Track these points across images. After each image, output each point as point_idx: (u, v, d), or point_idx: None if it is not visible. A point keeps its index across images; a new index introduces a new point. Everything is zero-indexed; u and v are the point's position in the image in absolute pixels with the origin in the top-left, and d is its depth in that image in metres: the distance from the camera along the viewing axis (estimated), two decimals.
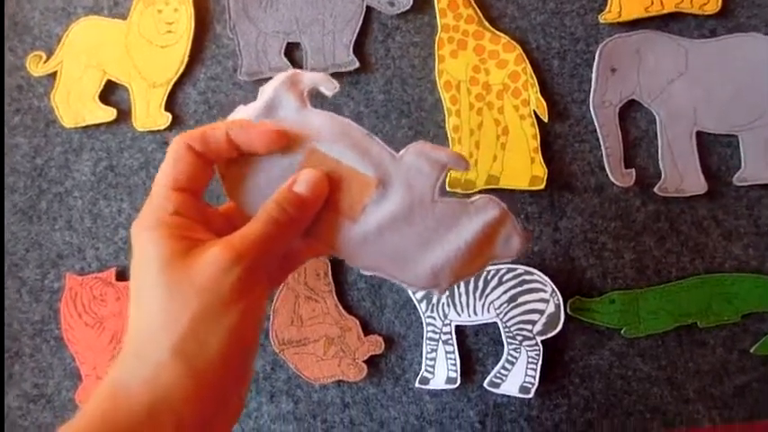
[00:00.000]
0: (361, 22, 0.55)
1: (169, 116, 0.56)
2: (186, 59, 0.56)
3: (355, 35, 0.55)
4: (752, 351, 0.52)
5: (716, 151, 0.54)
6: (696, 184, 0.53)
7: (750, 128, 0.53)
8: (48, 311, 0.57)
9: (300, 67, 0.56)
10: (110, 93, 0.58)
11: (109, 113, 0.57)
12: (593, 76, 0.53)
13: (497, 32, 0.54)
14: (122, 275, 0.56)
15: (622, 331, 0.52)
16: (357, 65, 0.55)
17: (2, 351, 0.57)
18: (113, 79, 0.57)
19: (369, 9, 0.55)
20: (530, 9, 0.55)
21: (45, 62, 0.58)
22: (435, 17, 0.55)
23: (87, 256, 0.57)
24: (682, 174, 0.53)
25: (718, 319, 0.52)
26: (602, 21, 0.54)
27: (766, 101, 0.53)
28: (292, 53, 0.56)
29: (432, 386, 0.53)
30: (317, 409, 0.55)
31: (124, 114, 0.57)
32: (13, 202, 0.58)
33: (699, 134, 0.53)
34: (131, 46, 0.57)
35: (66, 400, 0.57)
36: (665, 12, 0.53)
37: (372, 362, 0.54)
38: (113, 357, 0.56)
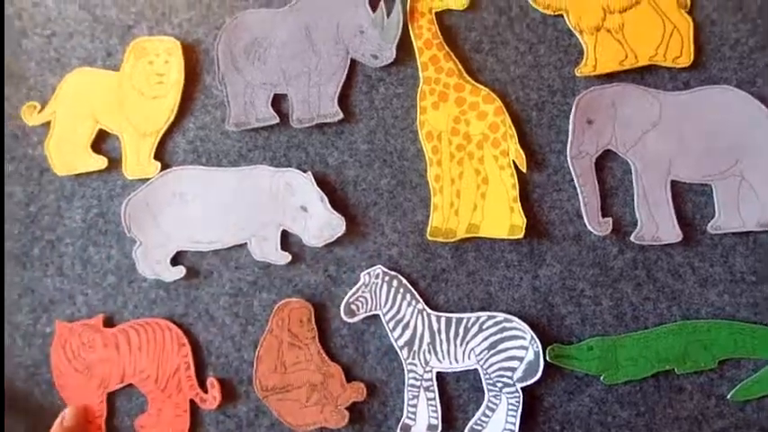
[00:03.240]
0: (345, 75, 0.57)
1: (158, 165, 0.58)
2: (176, 109, 0.58)
3: (340, 87, 0.57)
4: (729, 397, 0.53)
5: (690, 200, 0.55)
6: (671, 232, 0.54)
7: (723, 177, 0.55)
8: (39, 356, 0.58)
9: (286, 117, 0.57)
10: (101, 141, 0.60)
11: (100, 162, 0.58)
12: (570, 127, 0.55)
13: (477, 85, 0.56)
14: (109, 322, 0.58)
15: (602, 378, 0.53)
16: (341, 116, 0.57)
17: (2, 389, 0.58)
18: (105, 129, 0.59)
19: (353, 62, 0.57)
20: (509, 62, 0.57)
21: (39, 112, 0.60)
22: (417, 70, 0.57)
23: (77, 302, 0.58)
24: (657, 222, 0.54)
25: (695, 366, 0.53)
26: (578, 74, 0.56)
27: (738, 151, 0.54)
28: (279, 104, 0.58)
29: None
30: None
31: (115, 162, 0.59)
32: (7, 249, 0.60)
33: (673, 183, 0.55)
34: (123, 96, 0.59)
35: None
36: (639, 65, 0.55)
37: (355, 408, 0.55)
38: (101, 402, 0.57)
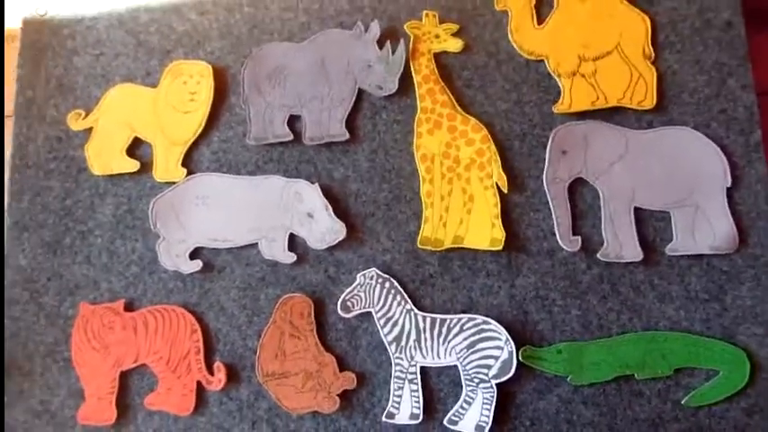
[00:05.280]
0: (353, 102, 0.65)
1: (185, 171, 0.65)
2: (204, 124, 0.66)
3: (348, 112, 0.65)
4: (683, 403, 0.58)
5: (651, 224, 0.62)
6: (633, 251, 0.60)
7: (680, 205, 0.62)
8: (61, 335, 0.64)
9: (300, 135, 0.65)
10: (136, 147, 0.67)
11: (133, 165, 0.66)
12: (547, 156, 0.62)
13: (467, 116, 0.64)
14: (130, 307, 0.64)
15: (569, 379, 0.59)
16: (347, 136, 0.65)
17: (2, 373, 0.64)
18: (140, 137, 0.67)
19: (360, 91, 0.66)
20: (495, 98, 0.65)
21: (83, 118, 0.68)
22: (416, 101, 0.65)
23: (101, 288, 0.65)
24: (621, 243, 0.61)
25: (653, 372, 0.59)
26: (555, 111, 0.64)
27: (693, 183, 0.61)
28: (293, 124, 0.66)
29: (397, 421, 0.59)
30: None
31: (146, 166, 0.66)
32: (41, 236, 0.66)
33: (636, 209, 0.62)
34: (158, 110, 0.67)
35: (68, 417, 0.63)
36: (608, 105, 0.63)
37: (345, 396, 0.60)
38: (114, 380, 0.62)
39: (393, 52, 0.64)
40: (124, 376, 0.63)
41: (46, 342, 0.64)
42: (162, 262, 0.64)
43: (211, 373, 0.61)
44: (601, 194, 0.62)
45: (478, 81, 0.65)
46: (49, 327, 0.65)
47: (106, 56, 0.70)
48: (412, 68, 0.65)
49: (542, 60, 0.65)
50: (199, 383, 0.61)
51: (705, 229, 0.61)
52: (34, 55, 0.70)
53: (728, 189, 0.61)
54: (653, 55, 0.64)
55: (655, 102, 0.63)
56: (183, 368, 0.61)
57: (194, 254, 0.64)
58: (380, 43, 0.65)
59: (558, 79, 0.64)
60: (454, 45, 0.65)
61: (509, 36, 0.65)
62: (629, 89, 0.64)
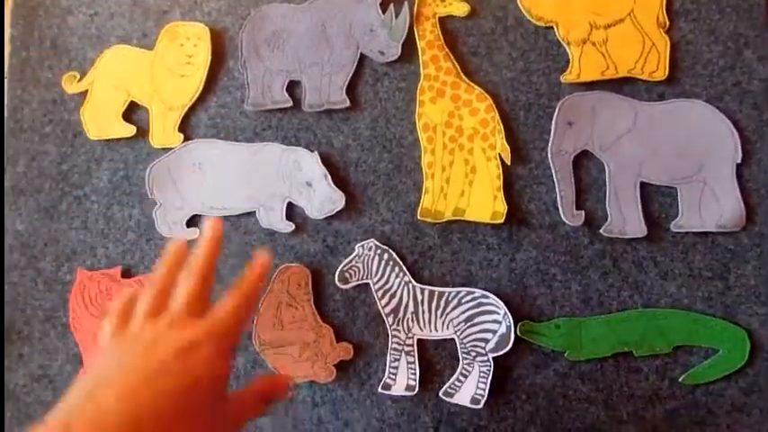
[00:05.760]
0: (354, 68, 0.63)
1: (181, 136, 0.64)
2: (201, 88, 0.64)
3: (349, 78, 0.63)
4: (680, 380, 0.58)
5: (657, 200, 0.60)
6: (637, 227, 0.59)
7: (687, 181, 0.60)
8: (58, 301, 0.64)
9: (299, 102, 0.64)
10: (132, 111, 0.66)
11: (129, 130, 0.65)
12: (553, 127, 0.60)
13: (472, 84, 0.62)
14: (127, 273, 0.64)
15: (566, 354, 0.59)
16: (348, 104, 0.63)
17: (2, 337, 0.64)
18: (136, 101, 0.66)
19: (362, 56, 0.64)
20: (501, 66, 0.63)
21: (78, 81, 0.66)
22: (419, 67, 0.63)
23: (98, 254, 0.64)
24: (625, 218, 0.60)
25: (651, 350, 0.58)
26: (563, 80, 0.62)
27: (702, 159, 0.60)
28: (293, 90, 0.64)
29: (393, 392, 0.59)
30: (289, 406, 0.61)
31: (142, 132, 0.65)
32: (38, 201, 0.66)
33: (642, 184, 0.60)
34: (155, 73, 0.65)
35: (67, 381, 0.63)
36: (618, 76, 0.61)
37: (342, 366, 0.60)
38: None
39: (396, 17, 0.62)
40: None
41: (44, 307, 0.65)
42: (159, 229, 0.63)
43: None
44: (606, 168, 0.60)
45: (485, 48, 0.63)
46: (47, 292, 0.65)
47: (101, 16, 0.68)
48: (416, 34, 0.63)
49: (551, 27, 0.62)
50: None
51: (712, 205, 0.59)
52: (26, 14, 0.68)
53: (738, 165, 0.59)
54: (667, 23, 0.61)
55: (667, 73, 0.61)
56: None
57: (191, 221, 0.63)
58: (384, 7, 0.63)
59: (567, 47, 0.62)
60: (460, 9, 0.63)
61: (518, 1, 0.62)
62: (641, 59, 0.61)
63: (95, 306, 0.63)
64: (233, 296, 0.41)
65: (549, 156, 0.60)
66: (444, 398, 0.59)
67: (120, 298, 0.42)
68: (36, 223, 0.66)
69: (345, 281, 0.61)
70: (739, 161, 0.59)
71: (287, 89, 0.64)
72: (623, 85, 0.61)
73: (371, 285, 0.60)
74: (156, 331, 0.36)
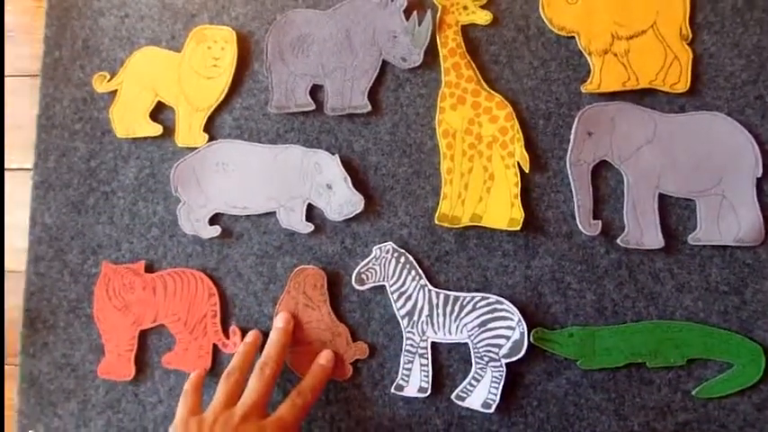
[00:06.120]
0: (377, 73, 0.64)
1: (206, 136, 0.66)
2: (226, 90, 0.66)
3: (371, 83, 0.64)
4: (693, 393, 0.58)
5: (675, 212, 0.60)
6: (655, 239, 0.59)
7: (706, 194, 0.60)
8: (83, 292, 0.66)
9: (321, 105, 0.65)
10: (159, 111, 0.68)
11: (156, 129, 0.67)
12: (572, 137, 0.61)
13: (492, 92, 0.63)
14: (150, 268, 0.65)
15: (578, 363, 0.59)
16: (369, 108, 0.64)
17: (2, 341, 0.66)
18: (163, 101, 0.67)
19: (384, 62, 0.65)
20: (522, 75, 0.63)
21: (108, 81, 0.68)
22: (440, 74, 0.63)
23: (122, 248, 0.66)
24: (643, 229, 0.60)
25: (665, 361, 0.58)
26: (583, 90, 0.62)
27: (722, 172, 0.60)
28: (316, 94, 0.65)
29: (405, 393, 0.60)
30: None
31: (168, 131, 0.67)
32: (66, 196, 0.68)
33: (661, 196, 0.60)
34: (182, 75, 0.67)
35: (88, 371, 0.65)
36: (639, 87, 0.61)
37: (356, 366, 0.61)
38: (133, 338, 0.64)
39: (419, 23, 0.63)
40: (143, 335, 0.65)
41: (69, 298, 0.67)
42: (182, 226, 0.65)
43: (227, 336, 0.63)
44: (625, 179, 0.61)
45: (506, 56, 0.64)
46: (73, 283, 0.67)
47: (131, 18, 0.69)
48: (438, 41, 0.63)
49: (573, 37, 0.63)
50: (215, 346, 0.63)
51: (731, 219, 0.59)
52: (60, 15, 0.70)
53: (758, 179, 0.59)
54: (690, 36, 0.61)
55: (689, 85, 0.61)
56: (200, 330, 0.63)
57: (214, 219, 0.65)
58: (407, 13, 0.64)
59: (588, 57, 0.62)
60: (483, 18, 0.64)
61: (540, 10, 0.63)
62: (663, 71, 0.61)
63: (119, 299, 0.64)
64: (296, 397, 0.54)
65: (568, 165, 0.61)
66: (456, 401, 0.59)
67: (190, 382, 0.56)
68: (64, 217, 0.68)
69: (362, 282, 0.62)
70: (759, 175, 0.59)
71: (310, 93, 0.65)
72: (644, 97, 0.62)
73: (387, 288, 0.61)
74: (231, 425, 0.49)
